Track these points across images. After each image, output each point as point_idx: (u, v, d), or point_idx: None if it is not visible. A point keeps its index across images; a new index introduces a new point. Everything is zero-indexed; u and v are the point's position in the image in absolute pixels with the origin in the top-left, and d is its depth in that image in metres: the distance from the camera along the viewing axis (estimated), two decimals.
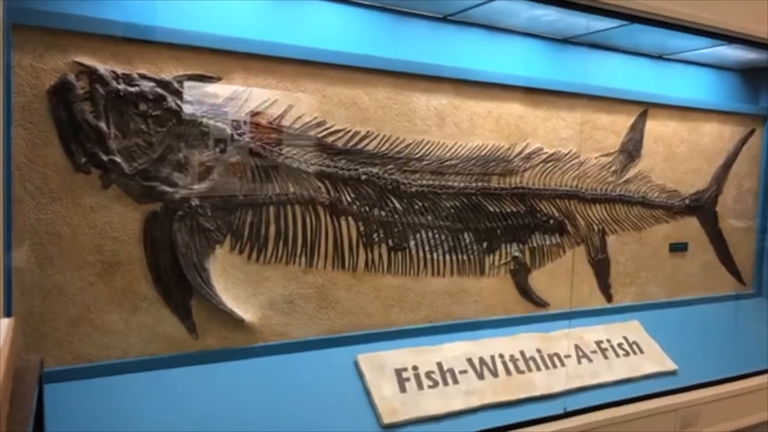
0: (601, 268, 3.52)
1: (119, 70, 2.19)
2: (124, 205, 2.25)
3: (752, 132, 4.07)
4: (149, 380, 2.27)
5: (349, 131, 2.68)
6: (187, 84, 2.32)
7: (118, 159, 2.21)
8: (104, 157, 2.18)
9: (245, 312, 2.49)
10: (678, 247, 3.83)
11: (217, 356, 2.43)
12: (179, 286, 2.36)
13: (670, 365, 3.21)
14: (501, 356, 2.87)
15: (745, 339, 3.75)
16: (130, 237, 2.27)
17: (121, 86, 2.19)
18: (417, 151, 2.85)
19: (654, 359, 3.22)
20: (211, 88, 2.37)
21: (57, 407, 1.96)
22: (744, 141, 4.04)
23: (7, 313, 1.96)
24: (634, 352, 3.22)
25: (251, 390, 2.38)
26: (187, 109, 2.32)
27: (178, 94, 2.30)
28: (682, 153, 3.78)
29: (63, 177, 2.14)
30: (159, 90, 2.26)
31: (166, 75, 2.28)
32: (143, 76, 2.24)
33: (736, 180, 4.07)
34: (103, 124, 2.17)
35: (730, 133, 3.98)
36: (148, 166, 2.27)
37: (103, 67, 2.16)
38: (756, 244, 4.21)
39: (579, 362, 3.03)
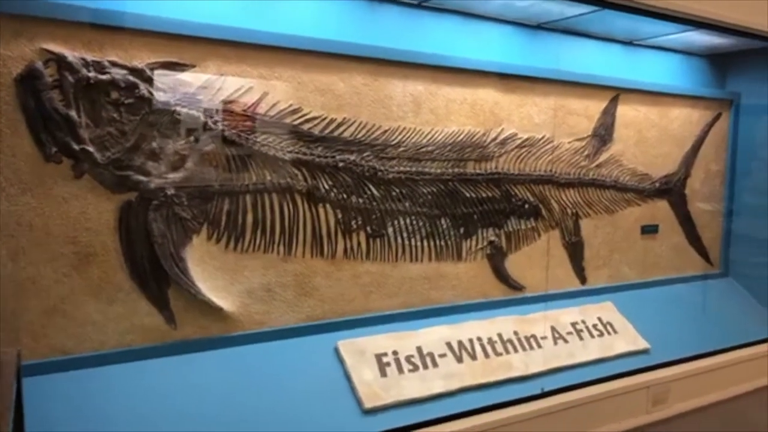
0: (575, 250, 3.58)
1: (89, 58, 2.14)
2: (98, 195, 2.21)
3: (719, 116, 4.17)
4: (128, 371, 2.25)
5: (325, 118, 2.67)
6: (159, 72, 2.28)
7: (90, 148, 2.17)
8: (76, 147, 2.14)
9: (224, 301, 2.48)
10: (649, 230, 3.92)
11: (196, 346, 2.41)
12: (156, 276, 2.34)
13: (642, 344, 3.30)
14: (479, 339, 2.91)
15: (714, 318, 3.87)
16: (104, 227, 2.23)
17: (92, 74, 2.14)
18: (393, 137, 2.85)
19: (627, 339, 3.30)
20: (184, 75, 2.34)
21: (35, 400, 1.94)
22: (711, 125, 4.13)
23: None
24: (608, 333, 3.29)
25: (231, 379, 2.37)
26: (161, 97, 2.28)
27: (151, 81, 2.26)
28: (652, 137, 3.86)
29: (33, 167, 2.10)
30: (131, 78, 2.22)
31: (138, 62, 2.24)
32: (114, 64, 2.19)
33: (704, 163, 4.17)
34: (73, 113, 2.13)
35: (698, 117, 4.07)
36: (121, 155, 2.23)
37: (72, 54, 2.11)
38: (723, 225, 4.33)
39: (555, 343, 3.10)
